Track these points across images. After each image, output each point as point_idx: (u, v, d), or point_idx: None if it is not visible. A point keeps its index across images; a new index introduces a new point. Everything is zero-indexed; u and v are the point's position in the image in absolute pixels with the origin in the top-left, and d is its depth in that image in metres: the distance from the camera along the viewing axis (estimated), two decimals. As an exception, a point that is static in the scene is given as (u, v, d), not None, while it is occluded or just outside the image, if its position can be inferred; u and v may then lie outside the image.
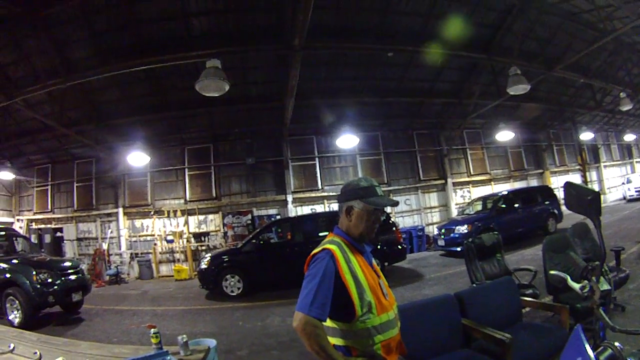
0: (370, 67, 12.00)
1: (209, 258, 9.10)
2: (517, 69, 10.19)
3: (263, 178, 14.15)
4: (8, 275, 6.87)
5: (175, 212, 13.51)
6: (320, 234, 8.81)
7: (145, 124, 12.34)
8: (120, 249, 13.38)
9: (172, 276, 12.38)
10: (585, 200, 1.59)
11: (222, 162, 13.94)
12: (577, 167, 20.11)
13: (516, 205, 12.51)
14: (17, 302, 6.68)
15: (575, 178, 20.12)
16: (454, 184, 16.23)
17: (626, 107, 15.78)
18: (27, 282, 6.75)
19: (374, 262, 2.04)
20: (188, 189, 13.91)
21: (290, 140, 13.88)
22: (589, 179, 20.43)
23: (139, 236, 13.63)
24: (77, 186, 14.28)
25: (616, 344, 1.39)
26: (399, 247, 9.71)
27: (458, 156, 16.81)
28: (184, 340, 2.46)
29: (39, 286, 6.79)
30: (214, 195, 13.87)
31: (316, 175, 14.52)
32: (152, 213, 13.62)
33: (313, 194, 14.28)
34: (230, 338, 5.38)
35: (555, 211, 12.82)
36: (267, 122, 13.19)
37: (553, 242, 4.76)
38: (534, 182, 18.37)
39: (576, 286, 2.02)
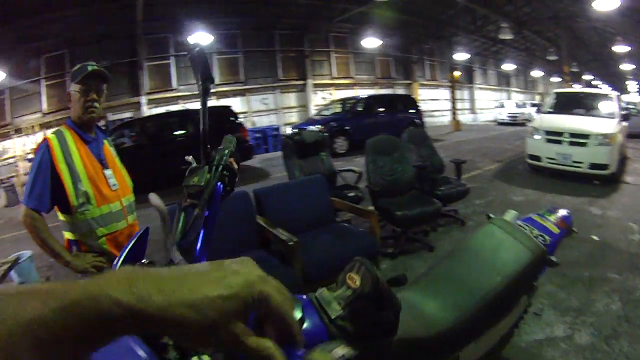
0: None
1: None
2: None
3: (117, 81, 12.67)
4: None
5: (32, 127, 11.94)
6: (175, 133, 9.22)
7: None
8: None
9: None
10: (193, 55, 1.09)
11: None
12: (448, 83, 20.91)
13: (376, 110, 12.44)
14: None
15: (445, 94, 21.72)
16: (315, 85, 16.13)
17: (506, 37, 16.62)
18: None
19: (111, 152, 2.00)
20: (45, 101, 12.26)
21: (145, 40, 12.70)
22: (458, 97, 21.29)
23: (1, 160, 12.27)
24: None
25: None
26: (245, 145, 9.89)
27: (321, 58, 16.57)
28: None
29: None
30: (71, 105, 12.65)
31: (171, 75, 13.81)
32: (12, 132, 12.21)
33: (168, 95, 13.65)
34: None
35: (417, 121, 12.80)
36: (119, 22, 11.81)
37: (377, 144, 4.44)
38: (400, 92, 18.68)
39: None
